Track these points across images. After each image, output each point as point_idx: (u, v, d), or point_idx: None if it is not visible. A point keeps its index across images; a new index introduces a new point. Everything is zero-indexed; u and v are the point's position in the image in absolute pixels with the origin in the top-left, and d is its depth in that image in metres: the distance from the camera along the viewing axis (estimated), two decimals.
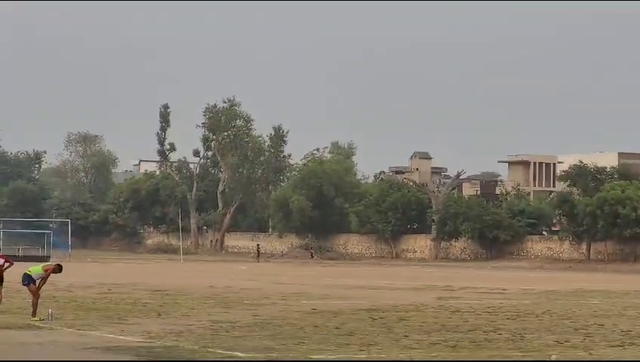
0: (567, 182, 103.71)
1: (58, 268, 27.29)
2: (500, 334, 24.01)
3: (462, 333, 24.11)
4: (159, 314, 28.64)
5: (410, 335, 23.28)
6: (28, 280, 26.54)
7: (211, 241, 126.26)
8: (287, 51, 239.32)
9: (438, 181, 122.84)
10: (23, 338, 21.33)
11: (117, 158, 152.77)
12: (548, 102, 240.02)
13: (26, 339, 21.17)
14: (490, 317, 29.33)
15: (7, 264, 29.50)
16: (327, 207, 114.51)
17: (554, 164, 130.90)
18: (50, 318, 25.55)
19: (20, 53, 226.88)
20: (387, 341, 22.00)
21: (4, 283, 29.31)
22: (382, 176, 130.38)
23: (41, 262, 37.12)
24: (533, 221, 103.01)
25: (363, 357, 19.07)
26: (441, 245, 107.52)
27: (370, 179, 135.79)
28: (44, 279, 26.84)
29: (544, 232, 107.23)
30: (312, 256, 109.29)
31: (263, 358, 18.34)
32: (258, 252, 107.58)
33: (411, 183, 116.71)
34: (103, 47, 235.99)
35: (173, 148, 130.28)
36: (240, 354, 18.91)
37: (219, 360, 18.28)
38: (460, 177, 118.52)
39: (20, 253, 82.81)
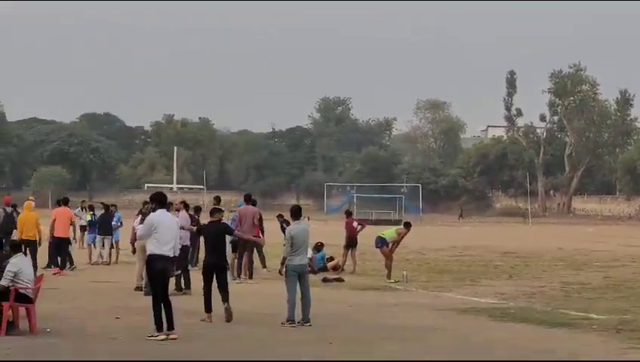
0: None
1: (408, 226, 27.94)
2: None
3: None
4: (510, 276, 28.72)
5: None
6: (381, 242, 27.26)
7: (558, 204, 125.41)
8: None
9: None
10: (379, 300, 22.01)
11: (465, 124, 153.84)
12: None
13: (383, 300, 21.81)
14: None
15: (359, 227, 30.61)
16: None
17: None
18: (405, 280, 26.22)
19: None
20: None
21: (358, 246, 30.45)
22: None
23: (393, 226, 38.00)
24: None
25: None
26: None
27: None
28: (396, 242, 27.52)
29: None
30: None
31: (617, 320, 18.00)
32: None
33: None
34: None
35: (520, 113, 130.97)
36: (594, 316, 18.69)
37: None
38: None
39: (373, 217, 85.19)
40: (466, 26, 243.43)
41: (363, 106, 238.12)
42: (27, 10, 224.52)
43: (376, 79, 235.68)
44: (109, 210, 32.08)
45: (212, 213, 18.79)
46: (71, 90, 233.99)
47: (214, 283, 17.56)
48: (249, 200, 27.08)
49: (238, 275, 25.89)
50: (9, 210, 27.38)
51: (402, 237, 27.58)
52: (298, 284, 17.35)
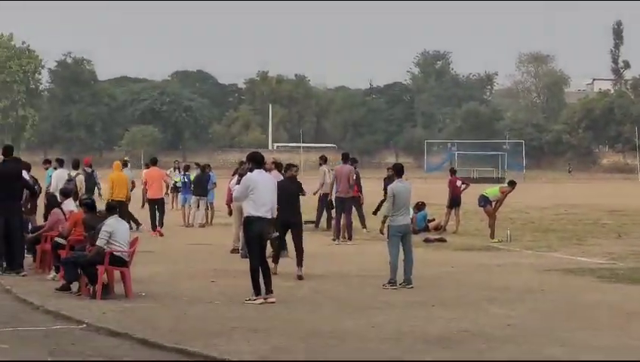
0: None
1: (512, 184, 27.39)
2: None
3: None
4: (619, 235, 28.10)
5: None
6: (484, 201, 26.77)
7: None
8: None
9: None
10: (482, 260, 21.60)
11: (569, 78, 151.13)
12: None
13: (486, 261, 21.41)
14: None
15: (463, 186, 30.15)
16: None
17: None
18: (508, 240, 25.79)
19: None
20: None
21: (461, 205, 30.00)
22: None
23: (495, 183, 37.36)
24: None
25: None
26: None
27: None
28: (500, 201, 26.94)
29: None
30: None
31: None
32: None
33: None
34: None
35: (627, 65, 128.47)
36: None
37: None
38: None
39: (475, 175, 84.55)
40: None
41: (463, 60, 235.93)
42: None
43: (476, 32, 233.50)
44: (204, 171, 31.96)
45: (286, 168, 19.43)
46: (162, 47, 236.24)
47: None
48: (347, 159, 26.75)
49: (337, 236, 25.57)
50: (89, 170, 27.57)
51: (506, 195, 27.03)
52: (400, 245, 16.98)
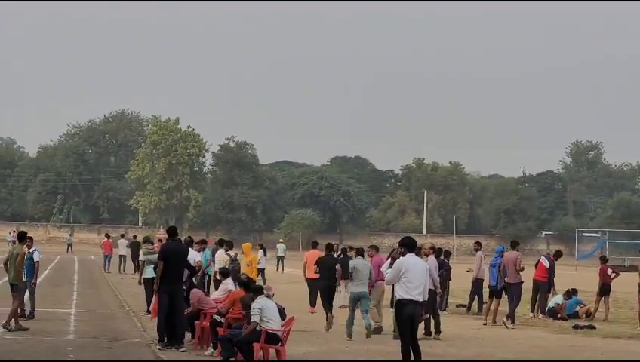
0: None
1: None
2: None
3: None
4: None
5: None
6: None
7: None
8: None
9: None
10: (632, 348, 21.47)
11: None
12: None
13: (636, 349, 21.24)
14: None
15: (613, 274, 29.92)
16: None
17: None
18: None
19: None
20: None
21: (611, 293, 29.71)
22: None
23: None
24: None
25: None
26: None
27: None
28: None
29: None
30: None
31: None
32: None
33: None
34: None
35: None
36: None
37: None
38: None
39: (626, 264, 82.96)
40: None
41: (616, 150, 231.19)
42: (278, 62, 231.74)
43: (630, 123, 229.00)
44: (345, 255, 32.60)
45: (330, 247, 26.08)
46: (321, 133, 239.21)
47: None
48: (515, 246, 27.22)
49: (513, 320, 25.64)
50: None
51: None
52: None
